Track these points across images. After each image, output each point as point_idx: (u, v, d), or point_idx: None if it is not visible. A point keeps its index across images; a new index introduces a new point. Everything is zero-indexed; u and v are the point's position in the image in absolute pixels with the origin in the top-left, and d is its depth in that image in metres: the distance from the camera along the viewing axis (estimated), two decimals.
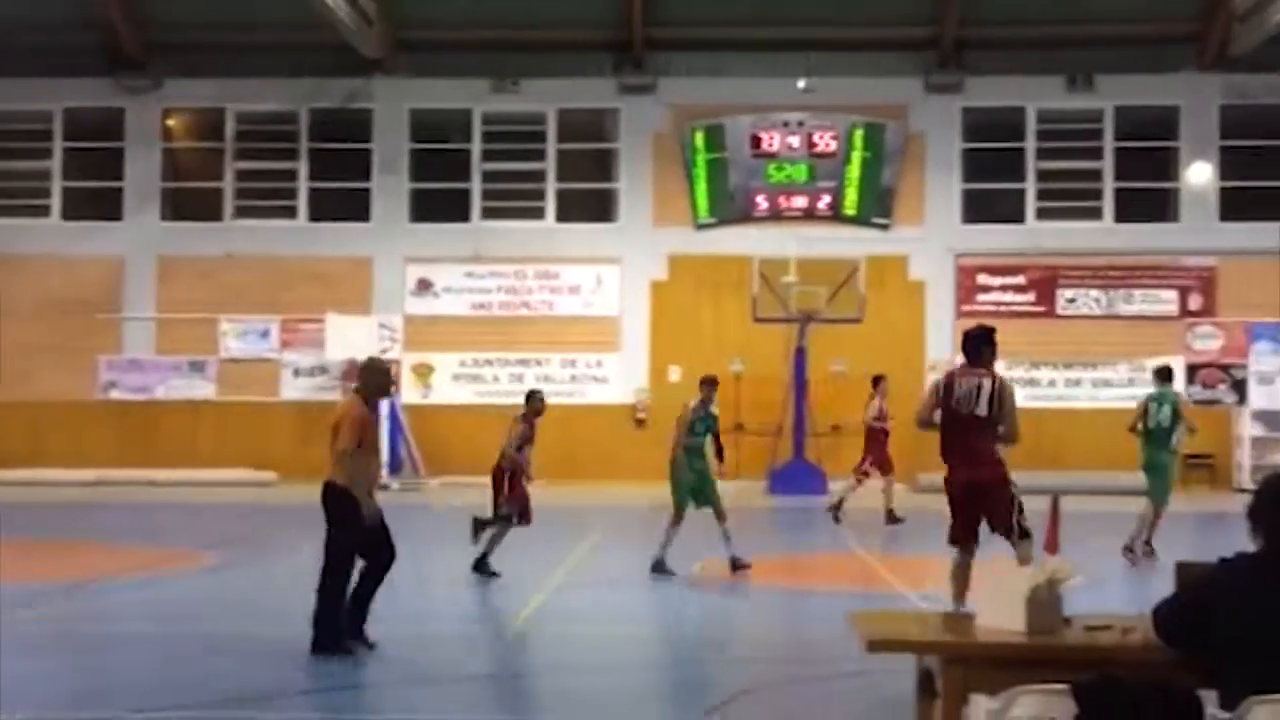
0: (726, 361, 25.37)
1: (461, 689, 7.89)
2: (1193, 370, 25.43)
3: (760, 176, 25.97)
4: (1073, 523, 16.87)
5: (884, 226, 25.91)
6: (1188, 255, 25.60)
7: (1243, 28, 23.15)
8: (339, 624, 8.34)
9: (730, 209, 26.07)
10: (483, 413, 25.60)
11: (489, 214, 26.51)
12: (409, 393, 25.78)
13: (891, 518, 17.42)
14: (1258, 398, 25.09)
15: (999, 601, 4.61)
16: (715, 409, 13.12)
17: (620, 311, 26.19)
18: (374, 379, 8.76)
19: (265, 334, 26.36)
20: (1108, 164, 25.89)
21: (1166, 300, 25.68)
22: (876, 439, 18.05)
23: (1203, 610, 4.16)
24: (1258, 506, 4.21)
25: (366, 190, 26.65)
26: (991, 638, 4.58)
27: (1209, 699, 4.03)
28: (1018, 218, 26.00)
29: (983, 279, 25.96)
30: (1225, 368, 25.41)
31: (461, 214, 26.50)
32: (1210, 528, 17.44)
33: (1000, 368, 28.36)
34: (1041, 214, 25.98)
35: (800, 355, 23.81)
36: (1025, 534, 8.50)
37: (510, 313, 26.27)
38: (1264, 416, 24.83)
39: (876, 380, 18.73)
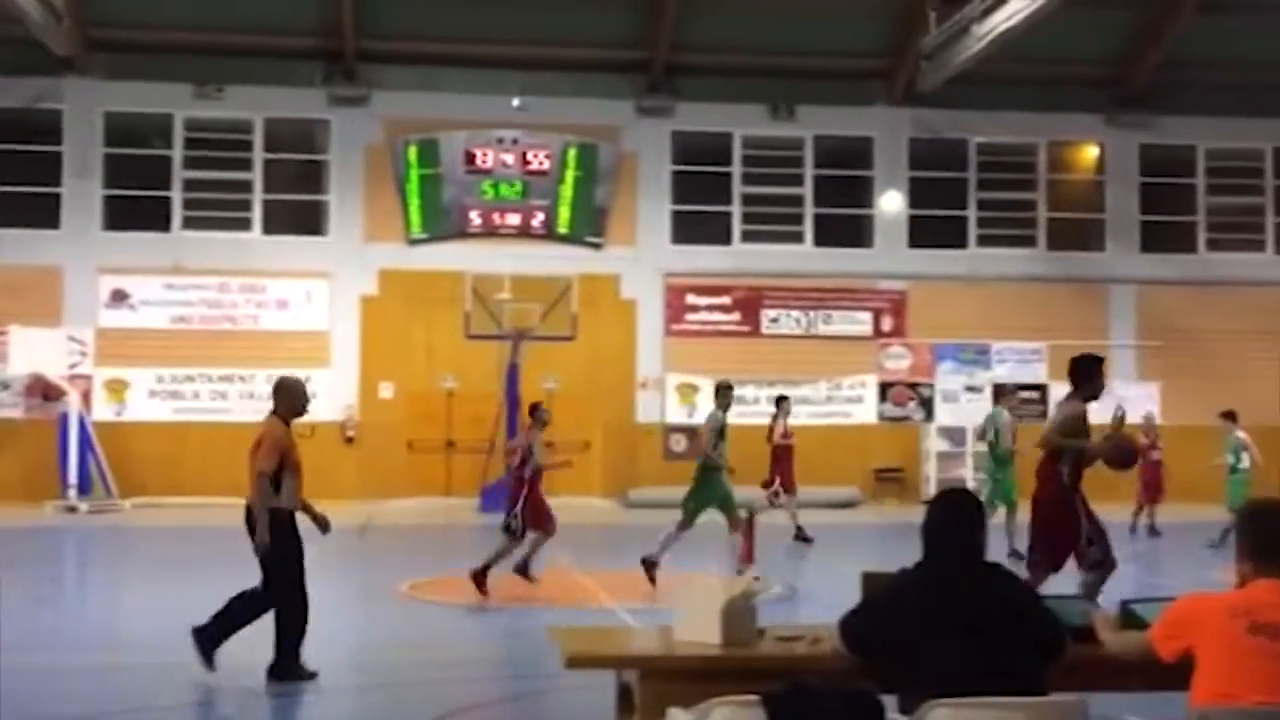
0: (438, 378, 25.22)
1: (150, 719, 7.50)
2: (884, 388, 26.79)
3: (474, 193, 25.89)
4: (777, 535, 17.46)
5: (597, 246, 26.25)
6: (881, 279, 26.97)
7: (929, 66, 24.58)
8: (300, 648, 8.20)
9: (444, 225, 25.88)
10: (184, 431, 24.61)
11: (191, 224, 25.46)
12: (101, 409, 24.49)
13: (800, 535, 17.47)
14: (943, 415, 26.64)
15: (695, 614, 4.70)
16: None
17: (329, 327, 25.60)
18: (288, 399, 8.63)
19: None
20: (808, 190, 27.00)
21: (861, 321, 26.95)
22: (782, 458, 18.03)
23: (882, 618, 4.34)
24: (927, 519, 4.45)
25: (56, 195, 25.15)
26: (687, 650, 4.66)
27: (891, 704, 4.20)
28: (724, 240, 26.80)
29: (691, 299, 26.62)
30: (913, 386, 26.87)
31: (161, 223, 25.35)
32: (900, 538, 18.31)
33: (706, 385, 28.80)
34: (747, 236, 26.85)
35: (513, 372, 23.84)
36: (1093, 565, 8.23)
37: (213, 326, 25.28)
38: (948, 432, 26.38)
39: (780, 400, 18.82)
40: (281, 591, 8.31)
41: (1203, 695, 4.07)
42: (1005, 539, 14.97)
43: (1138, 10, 25.90)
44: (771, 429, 18.41)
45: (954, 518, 4.43)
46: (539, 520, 12.35)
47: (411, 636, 10.58)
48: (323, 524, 8.63)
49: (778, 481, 17.78)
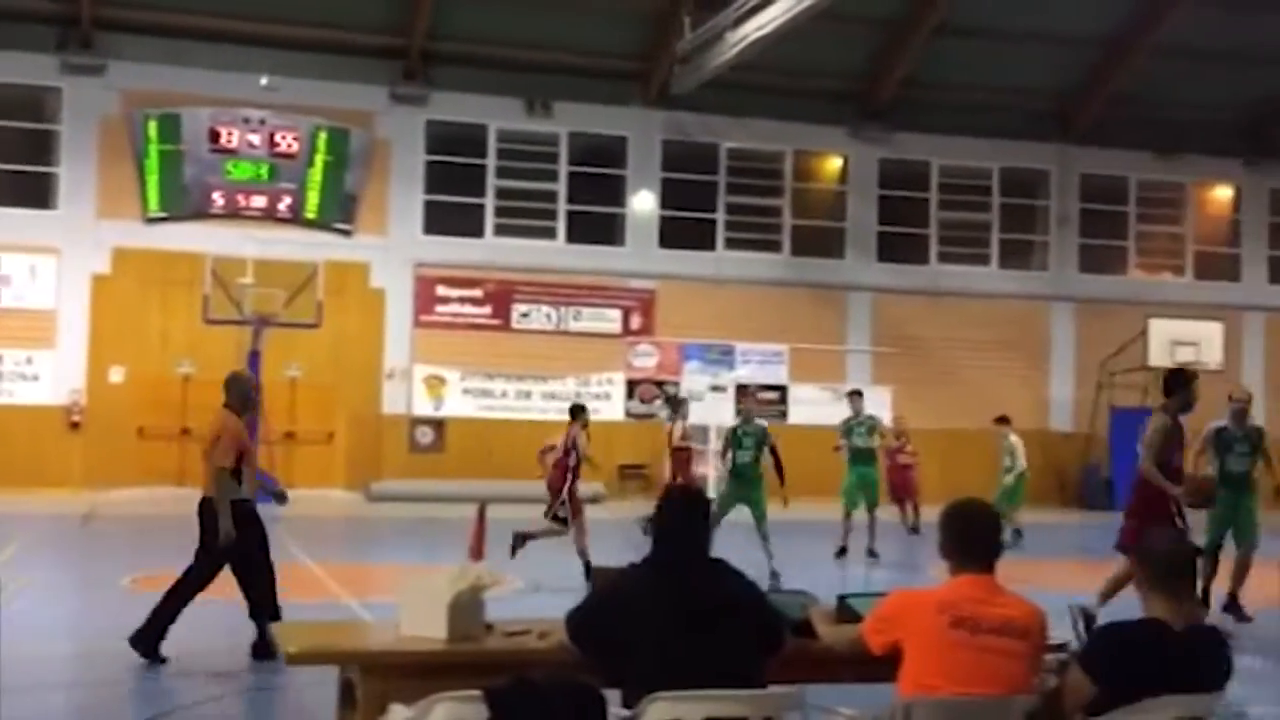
0: (174, 363, 24.28)
1: None
2: (631, 386, 27.13)
3: (218, 172, 25.00)
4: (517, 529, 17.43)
5: (346, 233, 25.72)
6: (631, 278, 27.31)
7: (682, 70, 25.02)
8: (165, 630, 8.32)
9: (184, 204, 24.90)
10: None
11: None
12: None
13: None
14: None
15: (421, 608, 4.63)
16: (761, 421, 14.18)
17: (56, 306, 24.29)
18: (240, 391, 8.89)
19: None
20: (562, 187, 27.12)
21: (611, 319, 27.23)
22: (679, 460, 17.71)
23: (607, 613, 4.38)
24: (657, 516, 4.51)
25: None
26: (411, 645, 4.59)
27: (615, 698, 4.23)
28: (477, 232, 26.65)
29: (442, 290, 26.39)
30: (660, 384, 27.29)
31: None
32: (642, 534, 18.55)
33: (454, 378, 28.63)
34: (500, 230, 26.79)
35: (254, 359, 23.09)
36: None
37: None
38: (692, 431, 26.82)
39: (679, 403, 18.80)
40: (199, 570, 8.51)
41: (907, 686, 4.25)
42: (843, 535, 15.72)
43: (881, 29, 26.99)
44: (670, 431, 18.44)
45: (680, 514, 4.50)
46: (576, 511, 13.07)
47: (133, 631, 10.11)
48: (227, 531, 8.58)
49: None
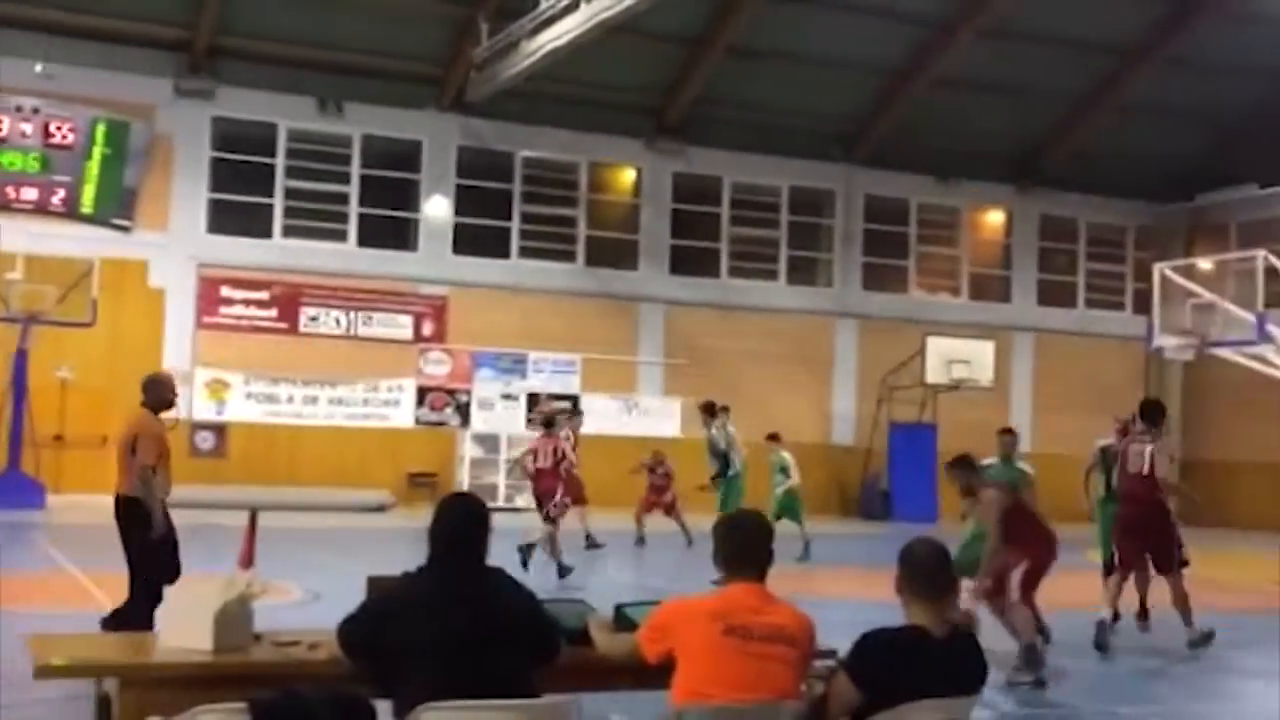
0: None
1: None
2: (422, 393, 26.82)
3: None
4: (301, 538, 17.12)
5: (124, 229, 24.75)
6: (423, 284, 27.01)
7: (479, 77, 24.91)
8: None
9: None
10: None
11: None
12: None
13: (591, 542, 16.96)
14: (478, 421, 27.01)
15: (185, 618, 4.47)
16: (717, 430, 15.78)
17: None
18: (158, 392, 8.97)
19: None
20: (354, 189, 26.66)
21: (402, 325, 26.87)
22: (568, 478, 17.05)
23: (380, 622, 4.30)
24: (433, 523, 4.45)
25: None
26: (173, 657, 4.42)
27: (387, 709, 4.16)
28: (265, 233, 25.99)
29: (226, 291, 25.63)
30: (451, 392, 27.07)
31: None
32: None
33: (238, 382, 27.93)
34: (288, 231, 26.17)
35: (21, 358, 22.06)
36: (1183, 563, 10.62)
37: None
38: (483, 439, 26.73)
39: (574, 412, 18.77)
40: (145, 575, 8.56)
41: (681, 694, 4.30)
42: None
43: (676, 46, 27.37)
44: (564, 443, 18.03)
45: (456, 521, 4.44)
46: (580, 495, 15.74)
47: None
48: (159, 525, 8.73)
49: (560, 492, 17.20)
